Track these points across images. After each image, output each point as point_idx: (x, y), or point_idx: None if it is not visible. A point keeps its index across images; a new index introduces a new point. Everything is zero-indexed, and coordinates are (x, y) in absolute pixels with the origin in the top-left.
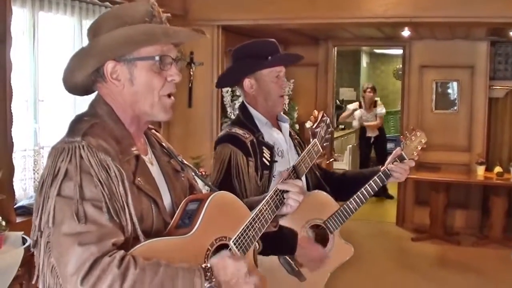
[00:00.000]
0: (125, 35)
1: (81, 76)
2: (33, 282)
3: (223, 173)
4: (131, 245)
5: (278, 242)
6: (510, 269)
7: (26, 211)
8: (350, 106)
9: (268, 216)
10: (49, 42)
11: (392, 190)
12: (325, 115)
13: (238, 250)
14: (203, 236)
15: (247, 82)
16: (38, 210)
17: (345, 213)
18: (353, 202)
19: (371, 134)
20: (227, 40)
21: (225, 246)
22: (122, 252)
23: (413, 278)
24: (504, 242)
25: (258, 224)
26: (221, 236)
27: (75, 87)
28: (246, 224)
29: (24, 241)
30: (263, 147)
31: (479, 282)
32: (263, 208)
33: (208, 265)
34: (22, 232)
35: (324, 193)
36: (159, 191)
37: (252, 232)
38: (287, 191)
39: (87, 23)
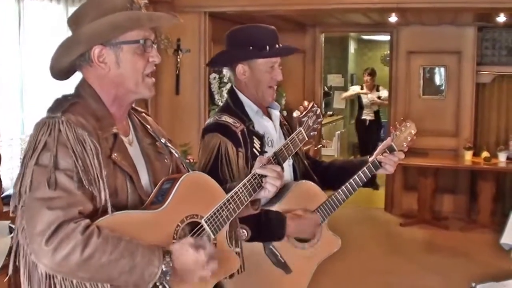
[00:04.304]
0: (113, 22)
1: (67, 62)
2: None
3: (211, 164)
4: (100, 217)
5: (265, 229)
6: (498, 253)
7: None
8: (354, 88)
9: (244, 198)
10: (35, 30)
11: (379, 177)
12: (315, 105)
13: (210, 229)
14: (173, 213)
15: (240, 68)
16: (19, 178)
17: (333, 204)
18: (341, 193)
19: (367, 117)
20: (214, 27)
21: (197, 224)
22: (87, 220)
23: (401, 263)
24: (491, 227)
25: (233, 205)
26: (193, 214)
27: (59, 73)
28: (220, 204)
29: (11, 230)
30: (254, 137)
31: (467, 266)
32: (239, 190)
33: (169, 249)
34: (9, 221)
35: (312, 183)
36: (136, 168)
37: (226, 212)
38: (265, 176)
39: (74, 10)
